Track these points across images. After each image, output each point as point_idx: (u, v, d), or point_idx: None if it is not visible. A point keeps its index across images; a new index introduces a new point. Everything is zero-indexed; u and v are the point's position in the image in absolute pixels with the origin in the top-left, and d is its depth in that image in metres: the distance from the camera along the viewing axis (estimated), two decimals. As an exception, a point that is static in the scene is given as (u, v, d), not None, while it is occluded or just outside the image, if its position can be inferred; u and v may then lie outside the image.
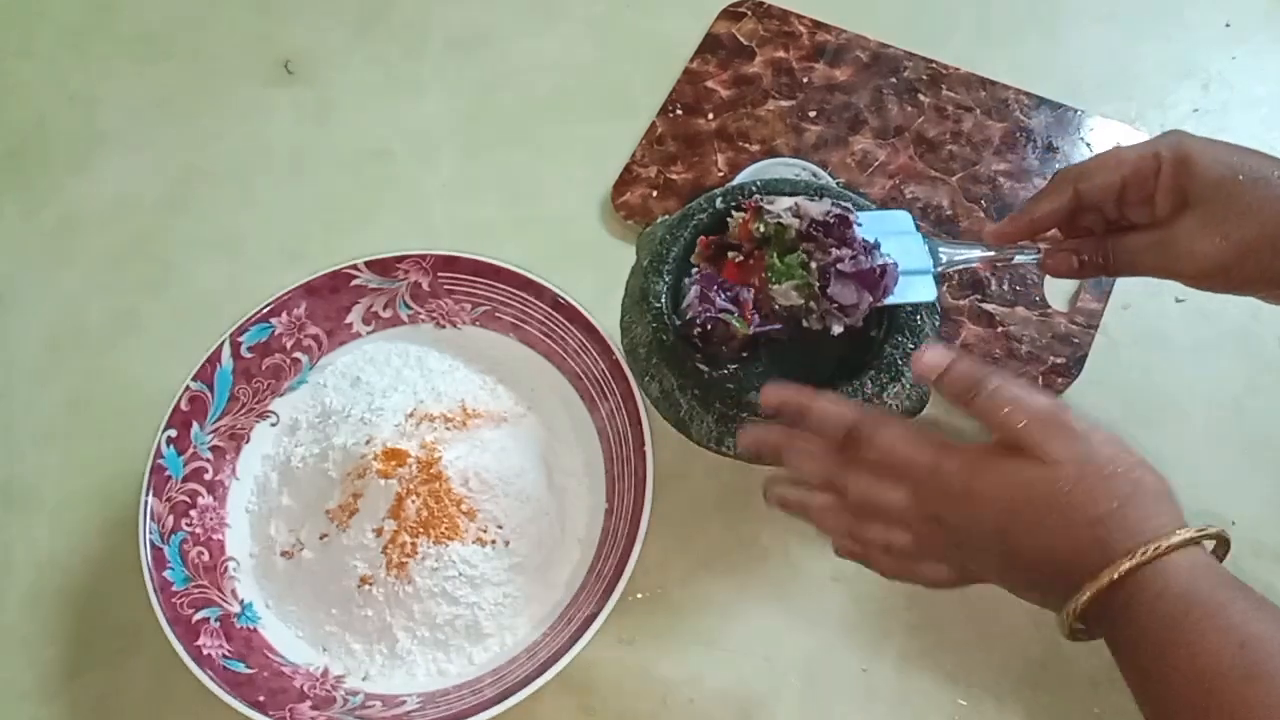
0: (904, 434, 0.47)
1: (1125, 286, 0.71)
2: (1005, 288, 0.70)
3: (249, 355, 0.65)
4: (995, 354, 0.68)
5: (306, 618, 0.61)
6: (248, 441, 0.65)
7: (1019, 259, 0.58)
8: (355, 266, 0.67)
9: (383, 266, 0.67)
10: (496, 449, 0.62)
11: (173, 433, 0.62)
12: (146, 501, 0.59)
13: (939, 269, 0.56)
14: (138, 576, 0.58)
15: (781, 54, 0.81)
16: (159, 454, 0.61)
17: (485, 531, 0.60)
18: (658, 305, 0.58)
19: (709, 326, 0.56)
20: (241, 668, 0.57)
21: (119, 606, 0.63)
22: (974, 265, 0.58)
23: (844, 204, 0.56)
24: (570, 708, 0.59)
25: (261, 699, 0.56)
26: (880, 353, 0.57)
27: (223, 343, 0.64)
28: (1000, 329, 0.69)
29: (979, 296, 0.70)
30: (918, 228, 0.57)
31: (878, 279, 0.54)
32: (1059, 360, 0.68)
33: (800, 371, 0.62)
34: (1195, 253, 0.51)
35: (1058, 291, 0.71)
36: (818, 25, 0.82)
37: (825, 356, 0.62)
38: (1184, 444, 0.66)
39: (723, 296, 0.55)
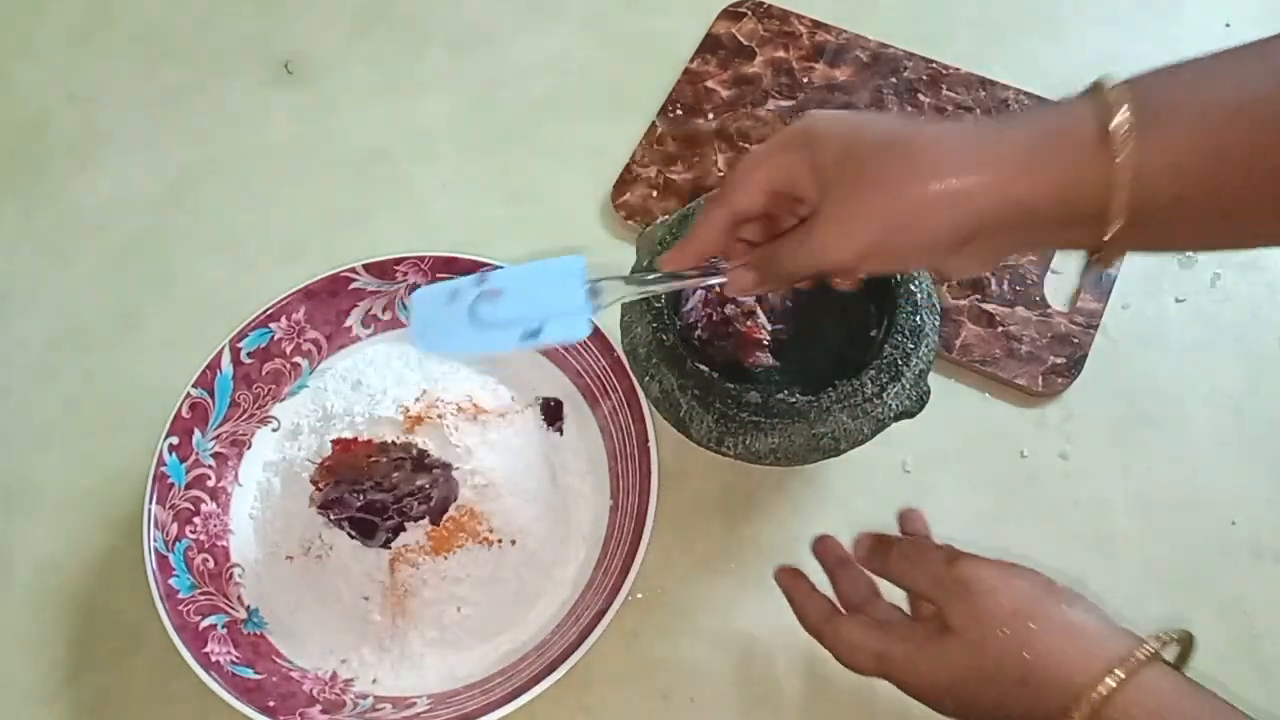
0: (856, 639, 0.50)
1: (1125, 286, 0.71)
2: (1005, 288, 0.70)
3: (249, 361, 0.65)
4: (995, 354, 0.68)
5: (314, 622, 0.61)
6: (249, 447, 0.65)
7: (708, 281, 0.51)
8: (354, 270, 0.66)
9: (381, 269, 0.67)
10: (500, 449, 0.62)
11: (174, 440, 0.62)
12: (150, 509, 0.59)
13: (602, 307, 0.51)
14: (138, 577, 0.58)
15: (781, 54, 0.81)
16: (161, 461, 0.61)
17: (491, 531, 0.60)
18: (658, 305, 0.58)
19: (713, 329, 0.55)
20: (250, 673, 0.57)
21: (119, 607, 0.63)
22: (658, 292, 0.54)
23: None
24: (570, 707, 0.60)
25: (271, 704, 0.56)
26: (880, 353, 0.57)
27: (222, 349, 0.64)
28: (1000, 329, 0.69)
29: (979, 296, 0.70)
30: (586, 275, 0.52)
31: None
32: (1059, 360, 0.68)
33: (801, 371, 0.63)
34: (826, 248, 0.45)
35: (1058, 291, 0.71)
36: (818, 25, 0.82)
37: (825, 356, 0.62)
38: (1184, 444, 0.66)
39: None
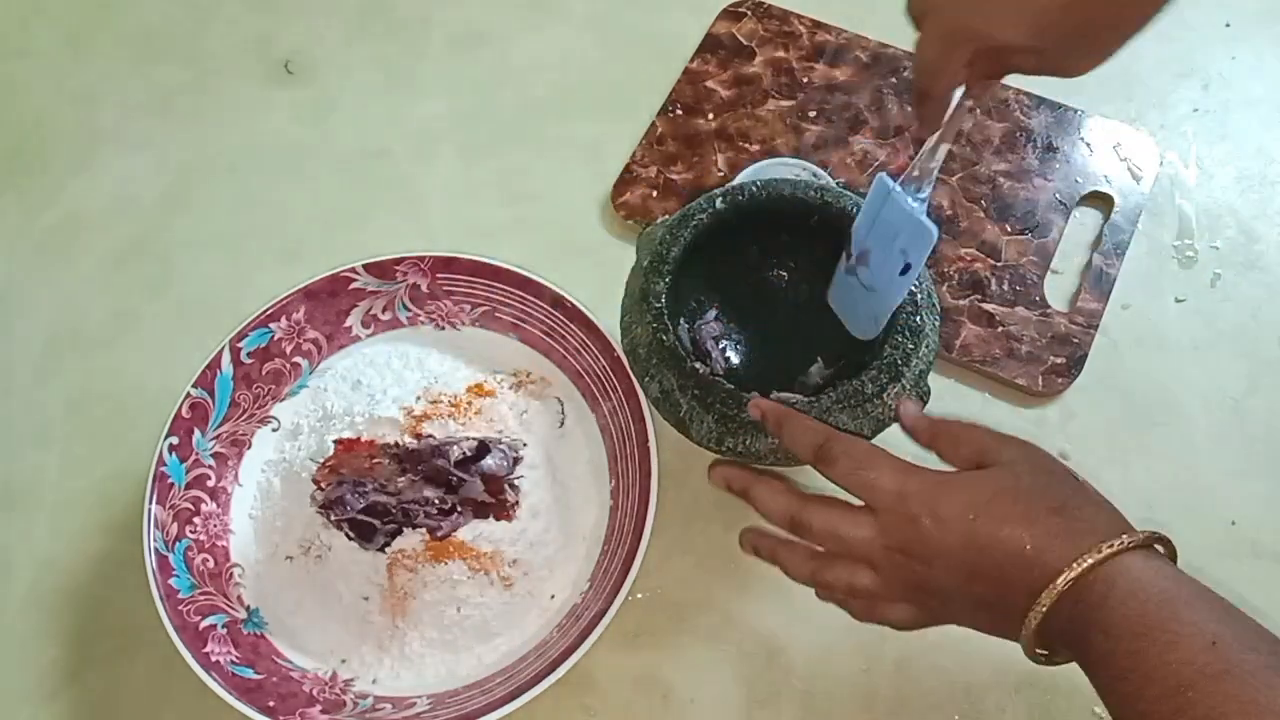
0: (871, 451, 0.49)
1: (1125, 286, 0.71)
2: (1005, 287, 0.70)
3: (249, 361, 0.65)
4: (995, 354, 0.68)
5: (313, 622, 0.61)
6: (249, 447, 0.65)
7: (963, 115, 0.53)
8: (354, 270, 0.66)
9: (381, 269, 0.67)
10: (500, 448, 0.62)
11: (175, 440, 0.62)
12: (150, 509, 0.59)
13: (925, 200, 0.54)
14: (138, 577, 0.58)
15: (781, 54, 0.81)
16: (161, 461, 0.61)
17: (491, 560, 0.60)
18: (658, 305, 0.58)
19: None
20: (250, 673, 0.57)
21: (119, 607, 0.63)
22: (938, 168, 0.55)
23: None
24: (570, 708, 0.60)
25: (272, 704, 0.56)
26: (880, 353, 0.57)
27: (222, 349, 0.64)
28: (1000, 329, 0.69)
29: (979, 296, 0.70)
30: (889, 187, 0.54)
31: None
32: (1059, 360, 0.68)
33: (800, 370, 0.63)
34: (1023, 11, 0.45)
35: (1058, 291, 0.71)
36: (818, 25, 0.82)
37: (826, 356, 0.62)
38: (1184, 444, 0.66)
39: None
